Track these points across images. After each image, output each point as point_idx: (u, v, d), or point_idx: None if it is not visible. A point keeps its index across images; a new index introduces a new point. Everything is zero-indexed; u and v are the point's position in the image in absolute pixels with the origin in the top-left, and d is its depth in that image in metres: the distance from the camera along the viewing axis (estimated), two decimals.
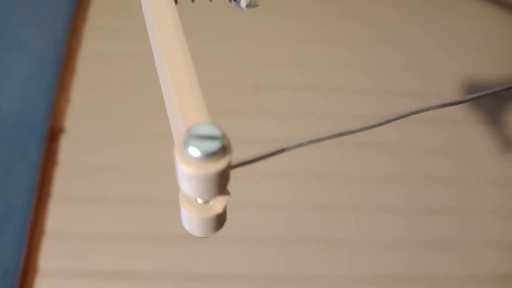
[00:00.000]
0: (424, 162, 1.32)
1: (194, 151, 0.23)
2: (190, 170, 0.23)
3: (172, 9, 0.27)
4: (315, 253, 1.19)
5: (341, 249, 1.20)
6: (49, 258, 1.15)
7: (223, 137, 0.24)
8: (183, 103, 0.24)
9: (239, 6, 0.32)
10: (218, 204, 0.26)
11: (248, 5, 0.32)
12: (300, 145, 0.24)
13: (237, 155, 0.25)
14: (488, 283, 1.19)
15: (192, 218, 0.26)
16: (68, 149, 1.24)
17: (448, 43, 1.50)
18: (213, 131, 0.24)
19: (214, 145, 0.23)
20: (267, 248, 1.19)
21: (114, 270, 1.15)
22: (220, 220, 0.27)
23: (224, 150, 0.24)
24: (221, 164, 0.23)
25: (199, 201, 0.26)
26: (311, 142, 0.25)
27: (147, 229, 1.19)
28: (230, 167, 0.24)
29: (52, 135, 1.24)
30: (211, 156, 0.23)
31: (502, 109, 1.39)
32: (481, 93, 0.29)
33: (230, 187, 0.26)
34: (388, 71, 1.43)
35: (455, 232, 1.24)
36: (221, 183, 0.24)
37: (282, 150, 0.25)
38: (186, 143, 0.23)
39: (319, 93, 1.37)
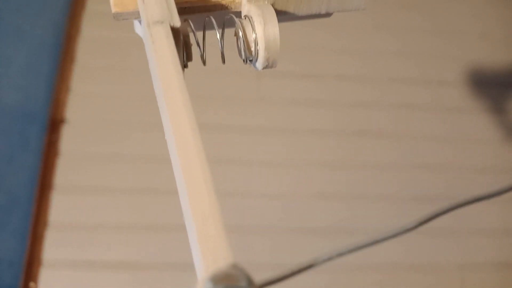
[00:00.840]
0: (424, 149, 1.31)
1: None
2: None
3: (180, 83, 0.25)
4: (313, 241, 1.19)
5: (339, 237, 1.20)
6: (53, 248, 1.15)
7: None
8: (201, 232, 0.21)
9: (256, 68, 0.30)
10: None
11: (265, 67, 0.30)
12: (330, 259, 0.23)
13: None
14: (488, 271, 1.20)
15: None
16: (69, 139, 1.23)
17: (449, 28, 1.47)
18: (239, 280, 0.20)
19: None
20: (265, 237, 1.19)
21: (118, 260, 1.15)
22: None
23: None
24: None
25: None
26: (340, 254, 0.23)
27: (150, 219, 1.18)
28: None
29: (53, 125, 1.22)
30: None
31: (503, 97, 1.38)
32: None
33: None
34: (387, 57, 1.40)
35: (456, 220, 1.24)
36: None
37: (311, 266, 0.23)
38: None
39: (319, 80, 1.35)
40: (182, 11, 0.31)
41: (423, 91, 1.37)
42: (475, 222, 1.25)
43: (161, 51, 0.25)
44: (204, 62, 0.30)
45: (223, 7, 0.32)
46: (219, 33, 0.30)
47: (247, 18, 0.31)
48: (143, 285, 1.15)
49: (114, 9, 0.30)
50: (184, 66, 0.29)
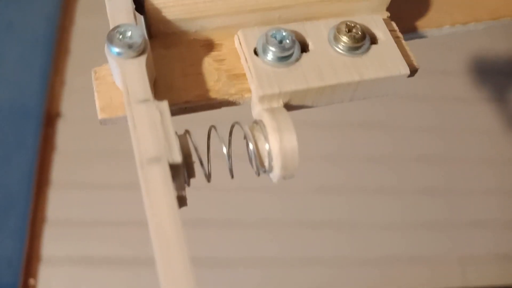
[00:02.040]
0: (421, 141, 1.28)
1: None
2: None
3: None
4: (312, 235, 1.17)
5: (339, 231, 1.18)
6: (51, 245, 1.13)
7: None
8: None
9: (271, 179, 0.27)
10: None
11: (282, 178, 0.26)
12: None
13: None
14: (489, 263, 1.19)
15: None
16: (65, 134, 1.19)
17: None
18: None
19: None
20: (265, 231, 1.17)
21: (117, 255, 1.14)
22: None
23: None
24: None
25: None
26: None
27: None
28: None
29: (49, 120, 1.18)
30: None
31: (505, 86, 1.34)
32: None
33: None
34: None
35: (455, 212, 1.23)
36: None
37: None
38: None
39: None
40: (182, 111, 0.28)
41: (423, 81, 1.33)
42: (475, 214, 1.23)
43: (155, 196, 0.21)
44: (208, 179, 0.27)
45: (230, 103, 0.28)
46: (225, 147, 0.26)
47: (257, 124, 0.27)
48: (142, 281, 1.14)
49: (101, 115, 0.26)
50: (186, 184, 0.25)
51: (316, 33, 0.29)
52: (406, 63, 0.29)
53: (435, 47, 1.35)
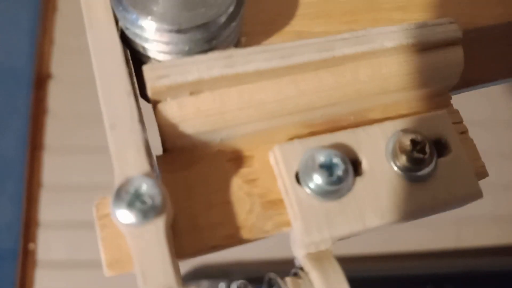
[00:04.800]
0: None
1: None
2: None
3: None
4: None
5: None
6: (49, 210, 1.09)
7: None
8: None
9: None
10: None
11: None
12: None
13: None
14: (485, 225, 1.17)
15: None
16: (57, 96, 1.11)
17: None
18: None
19: None
20: None
21: None
22: None
23: None
24: None
25: None
26: None
27: None
28: None
29: (39, 81, 1.10)
30: None
31: None
32: None
33: None
34: None
35: None
36: None
37: None
38: None
39: None
40: (209, 250, 0.22)
41: None
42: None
43: None
44: None
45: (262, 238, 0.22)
46: None
47: (300, 276, 0.21)
48: None
49: (108, 272, 0.20)
50: None
51: (371, 146, 0.23)
52: (478, 184, 0.23)
53: None
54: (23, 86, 1.08)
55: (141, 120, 0.21)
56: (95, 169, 1.10)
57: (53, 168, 1.10)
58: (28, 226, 1.08)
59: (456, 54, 0.25)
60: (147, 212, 0.18)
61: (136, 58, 0.24)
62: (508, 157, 1.21)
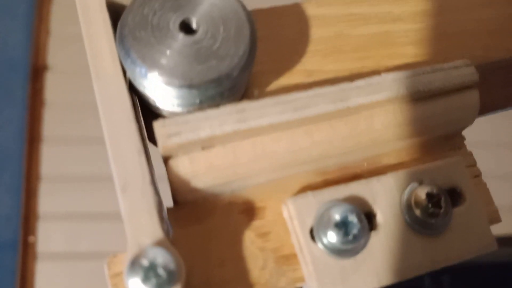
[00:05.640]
0: None
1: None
2: None
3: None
4: None
5: None
6: (48, 202, 1.08)
7: None
8: None
9: None
10: None
11: None
12: None
13: None
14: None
15: None
16: (54, 87, 1.10)
17: None
18: None
19: None
20: None
21: (115, 210, 1.10)
22: None
23: None
24: None
25: None
26: None
27: None
28: None
29: (36, 72, 1.08)
30: None
31: None
32: None
33: None
34: None
35: None
36: None
37: None
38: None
39: None
40: None
41: None
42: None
43: None
44: None
45: None
46: None
47: None
48: None
49: None
50: None
51: (386, 198, 0.22)
52: (492, 235, 0.23)
53: None
54: (20, 77, 1.07)
55: (153, 181, 0.20)
56: (94, 159, 1.09)
57: (51, 159, 1.09)
58: (27, 219, 1.07)
59: (472, 98, 0.24)
60: (162, 285, 0.17)
61: (145, 102, 0.23)
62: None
